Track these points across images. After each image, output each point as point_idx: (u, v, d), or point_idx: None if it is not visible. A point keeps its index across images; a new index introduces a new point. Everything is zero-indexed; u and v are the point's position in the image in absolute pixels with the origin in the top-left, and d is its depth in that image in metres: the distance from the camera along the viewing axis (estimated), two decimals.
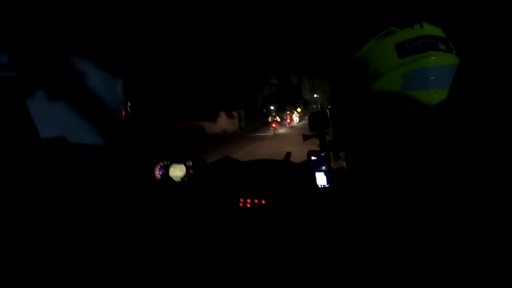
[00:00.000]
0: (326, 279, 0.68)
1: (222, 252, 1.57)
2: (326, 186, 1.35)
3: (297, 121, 24.84)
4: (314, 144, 1.43)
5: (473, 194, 0.53)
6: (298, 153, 2.12)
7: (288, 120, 23.43)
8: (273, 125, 18.95)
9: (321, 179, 1.37)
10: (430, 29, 0.61)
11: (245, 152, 10.95)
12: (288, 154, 1.81)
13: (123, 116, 1.48)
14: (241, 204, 1.70)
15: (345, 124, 0.78)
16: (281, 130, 19.98)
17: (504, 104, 0.57)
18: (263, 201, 1.67)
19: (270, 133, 18.30)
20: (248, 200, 1.70)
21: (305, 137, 1.48)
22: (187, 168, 1.80)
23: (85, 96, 0.89)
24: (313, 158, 1.40)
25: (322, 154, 1.36)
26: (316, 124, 1.28)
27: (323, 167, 1.37)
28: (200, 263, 1.48)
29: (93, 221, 0.90)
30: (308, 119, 1.34)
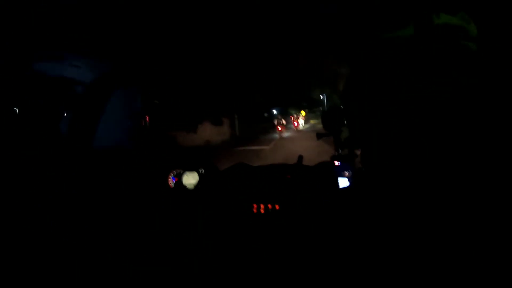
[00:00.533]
0: (343, 282, 0.68)
1: (236, 257, 1.57)
2: (348, 187, 1.33)
3: (303, 124, 24.37)
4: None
5: (477, 195, 0.54)
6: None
7: (295, 123, 23.02)
8: (279, 128, 18.93)
9: (343, 184, 1.36)
10: (445, 18, 0.62)
11: None
12: (300, 158, 1.81)
13: (142, 126, 1.50)
14: (254, 210, 1.70)
15: (359, 121, 0.78)
16: (287, 133, 19.82)
17: (504, 104, 0.58)
18: (276, 206, 1.67)
19: (276, 136, 18.20)
20: (262, 206, 1.70)
21: (319, 135, 1.46)
22: (200, 175, 1.81)
23: (103, 106, 0.90)
24: (336, 163, 1.39)
25: (346, 162, 1.34)
26: (330, 122, 1.27)
27: (346, 173, 1.35)
28: (214, 269, 1.48)
29: (96, 222, 0.91)
30: (321, 117, 1.33)
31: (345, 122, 1.05)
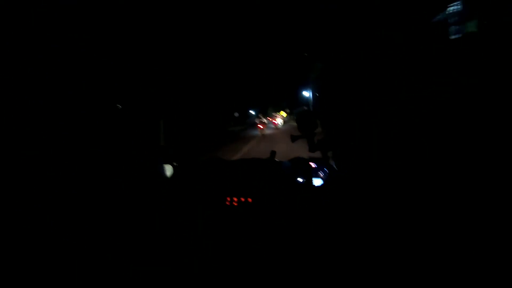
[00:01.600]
0: (315, 275, 0.72)
1: (209, 248, 1.60)
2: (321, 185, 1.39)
3: (282, 123, 25.05)
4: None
5: (473, 193, 0.55)
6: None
7: (275, 121, 23.78)
8: (260, 126, 19.28)
9: (317, 183, 1.42)
10: None
11: None
12: (273, 153, 1.86)
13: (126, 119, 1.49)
14: (227, 203, 1.74)
15: (341, 124, 0.82)
16: (268, 131, 20.16)
17: (503, 105, 0.60)
18: (249, 199, 1.71)
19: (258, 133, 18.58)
20: (235, 199, 1.73)
21: (293, 138, 1.51)
22: (174, 168, 1.82)
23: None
24: (313, 165, 1.44)
25: (322, 165, 1.40)
26: (304, 125, 1.32)
27: (321, 174, 1.41)
28: (186, 259, 1.50)
29: (91, 220, 0.90)
30: (296, 119, 1.37)
31: (320, 124, 1.10)
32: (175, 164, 1.82)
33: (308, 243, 1.11)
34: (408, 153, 0.62)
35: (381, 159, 0.68)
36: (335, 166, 0.95)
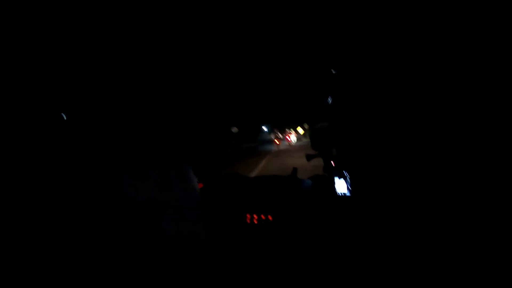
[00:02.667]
0: None
1: (229, 267, 1.56)
2: (347, 195, 1.32)
3: (295, 141, 24.37)
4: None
5: (483, 197, 0.54)
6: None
7: (288, 138, 23.34)
8: (276, 142, 19.60)
9: (341, 187, 1.36)
10: None
11: None
12: (295, 170, 1.83)
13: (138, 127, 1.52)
14: (248, 220, 1.70)
15: (357, 142, 0.79)
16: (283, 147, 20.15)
17: (502, 106, 0.58)
18: (269, 217, 1.67)
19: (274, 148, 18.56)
20: (255, 216, 1.70)
21: (308, 157, 1.42)
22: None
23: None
24: (334, 164, 1.39)
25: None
26: (319, 143, 1.23)
27: (344, 176, 1.36)
28: (206, 278, 1.47)
29: (98, 224, 0.89)
30: (310, 136, 1.28)
31: (334, 142, 1.06)
32: (196, 178, 1.82)
33: (328, 263, 1.05)
34: (427, 176, 0.59)
35: (400, 182, 0.64)
36: (350, 187, 0.91)
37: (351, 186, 1.31)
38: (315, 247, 1.39)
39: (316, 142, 1.24)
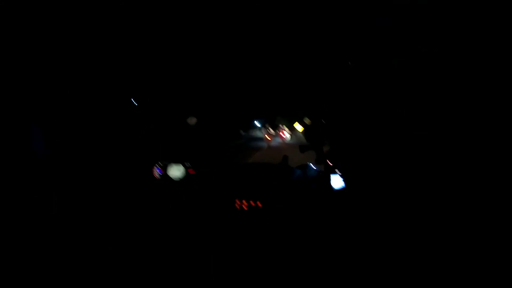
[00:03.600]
0: (327, 278, 0.72)
1: (217, 250, 1.59)
2: (343, 187, 1.38)
3: (289, 138, 23.91)
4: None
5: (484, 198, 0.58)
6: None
7: (282, 134, 22.89)
8: (267, 138, 19.41)
9: (336, 182, 1.42)
10: None
11: None
12: (285, 158, 1.87)
13: (128, 118, 1.52)
14: (237, 206, 1.73)
15: (350, 135, 0.83)
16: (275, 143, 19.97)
17: (501, 106, 0.63)
18: (259, 203, 1.71)
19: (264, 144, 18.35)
20: (244, 202, 1.73)
21: (302, 148, 1.52)
22: (186, 168, 1.84)
23: (90, 97, 0.89)
24: (330, 163, 1.44)
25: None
26: (312, 136, 1.32)
27: (337, 171, 1.41)
28: (194, 260, 1.50)
29: (92, 220, 0.91)
30: (304, 130, 1.38)
31: (328, 136, 1.11)
32: (187, 164, 1.84)
33: (314, 249, 1.10)
34: (419, 166, 0.63)
35: (391, 171, 0.68)
36: (341, 178, 0.96)
37: (343, 177, 1.36)
38: (305, 234, 1.43)
39: (311, 134, 1.33)
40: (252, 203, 1.70)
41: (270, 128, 20.37)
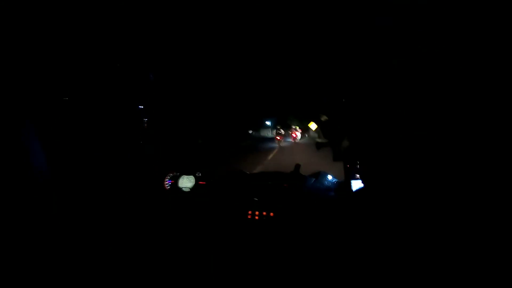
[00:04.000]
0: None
1: (229, 262, 1.56)
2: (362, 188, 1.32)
3: (300, 137, 23.86)
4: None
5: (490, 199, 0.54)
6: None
7: (294, 135, 22.73)
8: (278, 138, 19.38)
9: (356, 185, 1.36)
10: None
11: None
12: (298, 166, 1.81)
13: (141, 129, 1.51)
14: (249, 216, 1.70)
15: (369, 133, 0.79)
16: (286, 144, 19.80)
17: (502, 106, 0.58)
18: (271, 214, 1.67)
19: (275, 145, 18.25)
20: (257, 212, 1.69)
21: (318, 145, 1.47)
22: (197, 179, 1.81)
23: (103, 107, 0.89)
24: (348, 166, 1.39)
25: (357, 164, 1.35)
26: (330, 133, 1.28)
27: (358, 175, 1.36)
28: (207, 272, 1.47)
29: (100, 226, 0.89)
30: (321, 127, 1.33)
31: (346, 133, 1.05)
32: (198, 174, 1.81)
33: (327, 262, 1.04)
34: (439, 167, 0.59)
35: (411, 171, 0.64)
36: (359, 177, 0.90)
37: (362, 178, 1.29)
38: (316, 244, 1.38)
39: (328, 132, 1.29)
40: (264, 213, 1.65)
41: (280, 129, 20.31)
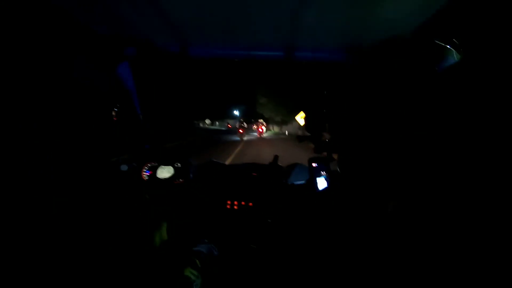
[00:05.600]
0: (317, 277, 0.74)
1: (209, 252, 1.60)
2: (326, 188, 1.43)
3: (265, 131, 23.74)
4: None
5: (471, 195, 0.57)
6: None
7: (260, 130, 22.35)
8: (240, 131, 19.08)
9: (322, 183, 1.46)
10: None
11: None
12: (276, 158, 1.89)
13: (113, 119, 1.46)
14: (228, 206, 1.74)
15: (350, 126, 0.85)
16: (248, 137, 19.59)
17: (502, 105, 0.61)
18: (250, 203, 1.73)
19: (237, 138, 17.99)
20: (236, 202, 1.74)
21: (300, 138, 1.55)
22: (175, 169, 1.81)
23: (76, 97, 0.85)
24: (314, 164, 1.48)
25: (323, 163, 1.45)
26: (312, 126, 1.35)
27: (323, 172, 1.46)
28: (186, 260, 1.49)
29: (80, 220, 0.87)
30: (305, 120, 1.41)
31: (328, 126, 1.14)
32: (177, 165, 1.81)
33: (308, 249, 1.13)
34: (418, 160, 0.63)
35: (389, 164, 0.68)
36: (339, 169, 0.98)
37: (330, 178, 1.39)
38: (294, 233, 1.48)
39: (310, 126, 1.35)
40: (243, 203, 1.71)
41: (243, 122, 19.95)
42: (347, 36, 1.25)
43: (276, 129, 29.09)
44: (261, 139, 19.88)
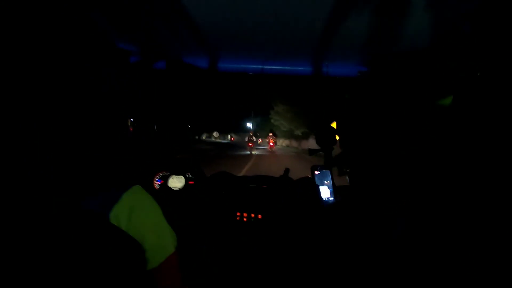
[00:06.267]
0: None
1: (217, 262, 1.58)
2: (330, 199, 1.43)
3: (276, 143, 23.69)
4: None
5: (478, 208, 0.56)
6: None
7: (271, 143, 22.36)
8: (250, 144, 19.35)
9: (325, 192, 1.46)
10: None
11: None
12: (287, 170, 1.89)
13: (128, 129, 1.50)
14: (237, 218, 1.74)
15: (357, 140, 0.84)
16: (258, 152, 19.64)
17: (503, 105, 0.58)
18: (259, 216, 1.72)
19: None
20: (245, 214, 1.74)
21: (311, 152, 1.55)
22: (186, 179, 1.82)
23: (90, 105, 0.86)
24: (316, 172, 1.49)
25: (325, 169, 1.46)
26: (323, 139, 1.36)
27: (326, 181, 1.46)
28: (196, 272, 1.48)
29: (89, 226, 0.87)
30: (315, 134, 1.43)
31: (338, 140, 1.14)
32: (189, 175, 1.82)
33: (316, 263, 1.10)
34: (429, 175, 0.62)
35: (400, 178, 0.67)
36: (350, 183, 0.97)
37: (350, 183, 1.38)
38: (303, 246, 1.45)
39: (321, 139, 1.36)
40: (252, 215, 1.71)
41: (252, 136, 20.11)
42: (369, 50, 1.30)
43: (294, 143, 28.35)
44: (271, 152, 19.78)
